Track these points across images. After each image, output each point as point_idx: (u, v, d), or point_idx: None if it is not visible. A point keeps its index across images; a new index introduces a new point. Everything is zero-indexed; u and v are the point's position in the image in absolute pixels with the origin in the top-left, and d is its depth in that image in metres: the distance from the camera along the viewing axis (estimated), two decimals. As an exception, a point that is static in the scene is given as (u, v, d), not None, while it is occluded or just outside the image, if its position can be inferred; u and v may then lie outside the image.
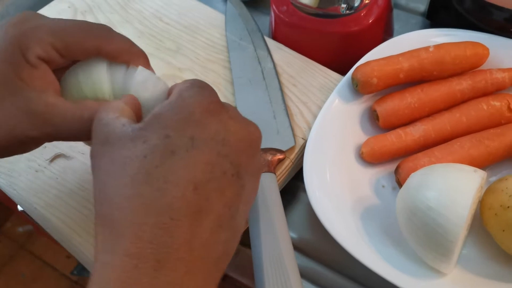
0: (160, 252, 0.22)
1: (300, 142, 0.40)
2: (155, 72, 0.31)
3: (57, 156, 0.41)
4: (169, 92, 0.28)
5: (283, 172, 0.39)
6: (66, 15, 0.52)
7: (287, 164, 0.39)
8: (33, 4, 0.57)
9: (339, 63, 0.46)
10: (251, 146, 0.26)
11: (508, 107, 0.39)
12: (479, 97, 0.40)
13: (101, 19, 0.51)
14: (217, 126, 0.25)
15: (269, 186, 0.35)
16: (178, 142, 0.24)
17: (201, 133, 0.24)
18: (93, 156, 0.26)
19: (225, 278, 0.38)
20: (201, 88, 0.26)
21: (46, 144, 0.41)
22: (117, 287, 0.21)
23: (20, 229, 1.48)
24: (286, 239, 0.32)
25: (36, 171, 0.40)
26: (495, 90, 0.41)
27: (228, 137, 0.25)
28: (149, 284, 0.22)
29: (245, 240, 0.34)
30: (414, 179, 0.34)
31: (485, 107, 0.39)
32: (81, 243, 0.36)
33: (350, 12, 0.44)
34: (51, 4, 0.53)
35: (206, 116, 0.25)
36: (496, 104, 0.39)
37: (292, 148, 0.39)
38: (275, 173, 0.36)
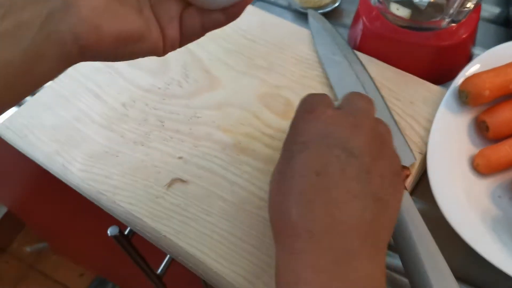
0: None
1: (418, 157, 0.40)
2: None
3: (173, 181, 0.40)
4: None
5: (409, 186, 0.39)
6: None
7: (409, 180, 0.39)
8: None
9: (431, 75, 0.47)
10: None
11: None
12: None
13: (183, 38, 0.51)
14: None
15: (409, 204, 0.35)
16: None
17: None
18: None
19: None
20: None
21: (160, 170, 0.40)
22: None
23: (28, 249, 1.46)
24: (435, 249, 0.33)
25: (157, 198, 0.39)
26: None
27: None
28: None
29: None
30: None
31: None
32: (219, 268, 0.36)
33: (447, 26, 0.45)
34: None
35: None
36: None
37: (413, 165, 0.39)
38: (407, 189, 0.36)
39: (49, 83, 0.48)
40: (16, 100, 0.26)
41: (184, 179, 0.40)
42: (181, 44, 0.30)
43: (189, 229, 0.37)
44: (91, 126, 0.44)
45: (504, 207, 0.39)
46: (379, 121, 0.31)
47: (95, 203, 0.41)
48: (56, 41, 0.25)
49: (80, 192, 0.42)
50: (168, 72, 0.48)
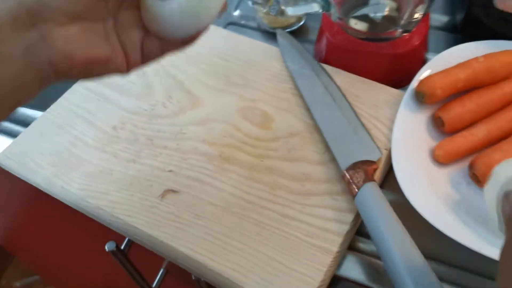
0: None
1: (384, 152, 0.45)
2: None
3: (165, 192, 0.44)
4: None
5: (378, 179, 0.44)
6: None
7: (378, 173, 0.44)
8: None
9: (390, 80, 0.52)
10: None
11: (552, 102, 0.46)
12: (525, 96, 0.47)
13: (163, 62, 0.55)
14: None
15: (377, 193, 0.40)
16: None
17: None
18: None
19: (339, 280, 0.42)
20: None
21: (152, 183, 0.44)
22: None
23: (18, 284, 1.45)
24: (404, 231, 0.37)
25: (152, 208, 0.43)
26: (537, 89, 0.47)
27: None
28: None
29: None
30: (500, 172, 0.39)
31: (533, 104, 0.46)
32: (215, 266, 0.39)
33: (400, 36, 0.50)
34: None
35: None
36: (542, 100, 0.46)
37: (379, 159, 0.44)
38: (375, 181, 0.41)
39: (43, 113, 0.51)
40: (3, 114, 0.30)
41: (175, 189, 0.44)
42: (142, 65, 0.35)
43: (184, 234, 0.41)
44: (85, 149, 0.48)
45: (462, 191, 0.44)
46: None
47: (95, 218, 0.45)
48: (35, 68, 0.29)
49: (80, 210, 0.45)
50: (152, 95, 0.52)
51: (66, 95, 0.53)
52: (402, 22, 0.48)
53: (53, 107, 0.52)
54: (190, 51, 0.56)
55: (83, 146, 0.48)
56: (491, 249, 0.39)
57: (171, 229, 0.42)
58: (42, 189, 0.47)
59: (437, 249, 0.42)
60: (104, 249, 0.50)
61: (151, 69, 0.54)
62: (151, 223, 0.42)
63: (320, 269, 0.39)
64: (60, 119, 0.51)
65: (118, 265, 0.54)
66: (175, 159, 0.46)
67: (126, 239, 0.51)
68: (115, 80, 0.54)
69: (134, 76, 0.54)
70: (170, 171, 0.45)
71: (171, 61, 0.55)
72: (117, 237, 0.51)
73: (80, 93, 0.53)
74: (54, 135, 0.49)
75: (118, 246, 0.51)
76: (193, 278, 0.49)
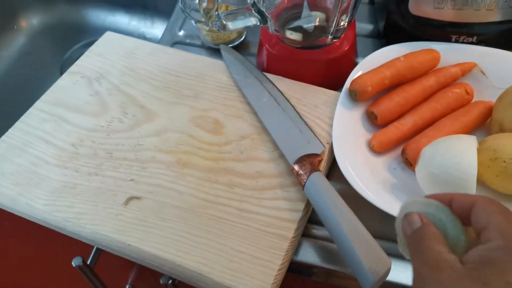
0: None
1: (326, 146, 0.50)
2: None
3: (129, 200, 0.47)
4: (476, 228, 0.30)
5: (322, 169, 0.48)
6: (81, 84, 0.58)
7: (323, 164, 0.49)
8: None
9: (326, 83, 0.58)
10: None
11: (466, 91, 0.53)
12: (442, 88, 0.54)
13: (115, 82, 0.58)
14: None
15: (323, 180, 0.44)
16: None
17: None
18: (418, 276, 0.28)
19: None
20: None
21: (116, 192, 0.47)
22: None
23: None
24: (351, 213, 0.42)
25: (117, 215, 0.45)
26: (452, 81, 0.54)
27: None
28: None
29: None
30: (427, 152, 0.45)
31: (450, 94, 0.53)
32: (182, 262, 0.42)
33: (331, 42, 0.56)
34: (63, 77, 0.59)
35: None
36: (457, 91, 0.53)
37: (323, 152, 0.49)
38: (320, 171, 0.46)
39: (1, 137, 0.53)
40: None
41: (138, 196, 0.47)
42: None
43: (151, 236, 0.44)
44: (46, 167, 0.50)
45: (398, 175, 0.50)
46: None
47: (62, 231, 0.47)
48: None
49: (47, 225, 0.47)
50: (108, 112, 0.55)
51: (23, 118, 0.54)
52: (331, 30, 0.53)
53: (11, 131, 0.53)
54: (141, 70, 0.59)
55: (44, 164, 0.50)
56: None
57: (138, 233, 0.44)
58: (6, 209, 0.48)
59: (382, 228, 0.47)
60: (71, 264, 0.52)
61: (104, 89, 0.57)
62: (118, 229, 0.45)
63: (279, 254, 0.43)
64: (19, 142, 0.52)
65: (84, 280, 0.56)
66: (135, 169, 0.49)
67: (92, 254, 0.53)
68: (70, 101, 0.56)
69: (88, 96, 0.56)
70: (132, 180, 0.48)
71: (123, 80, 0.58)
72: (83, 252, 0.52)
73: (37, 115, 0.55)
74: (14, 157, 0.51)
75: (84, 261, 0.52)
76: (161, 282, 0.51)
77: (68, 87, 0.58)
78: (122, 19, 0.94)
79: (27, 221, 0.48)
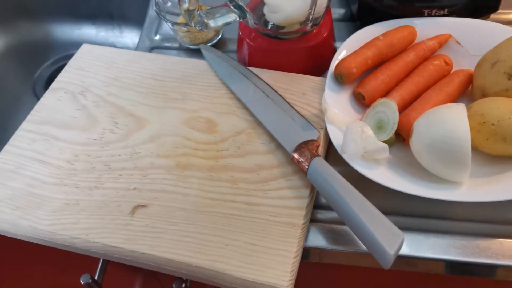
0: None
1: (321, 131, 0.51)
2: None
3: (135, 209, 0.46)
4: None
5: (321, 154, 0.49)
6: (66, 100, 0.57)
7: (320, 149, 0.50)
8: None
9: (309, 70, 0.59)
10: None
11: (445, 62, 0.55)
12: (423, 62, 0.55)
13: (101, 93, 0.57)
14: None
15: (325, 164, 0.45)
16: None
17: None
18: None
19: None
20: None
21: (120, 203, 0.47)
22: None
23: None
24: (357, 192, 0.43)
25: (125, 225, 0.45)
26: (431, 54, 0.56)
27: None
28: None
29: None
30: (420, 125, 0.47)
31: (431, 67, 0.54)
32: (198, 262, 0.43)
33: (311, 30, 0.57)
34: (46, 95, 0.58)
35: None
36: (437, 62, 0.55)
37: (319, 137, 0.50)
38: (320, 155, 0.47)
39: (-8, 163, 0.52)
40: None
41: (143, 204, 0.47)
42: None
43: (162, 241, 0.44)
44: (45, 187, 0.49)
45: (392, 151, 0.51)
46: None
47: (70, 249, 0.46)
48: None
49: (53, 245, 0.46)
50: (98, 125, 0.54)
51: (11, 141, 0.53)
52: (311, 17, 0.54)
53: (1, 155, 0.52)
54: (124, 78, 0.59)
55: (42, 184, 0.49)
56: (427, 191, 0.46)
57: (149, 240, 0.44)
58: (7, 235, 0.47)
59: (386, 203, 0.48)
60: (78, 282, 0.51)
61: (90, 102, 0.56)
62: (129, 239, 0.44)
63: (292, 242, 0.43)
64: (11, 165, 0.51)
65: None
66: (136, 177, 0.49)
67: (99, 267, 0.52)
68: (57, 118, 0.55)
69: (75, 111, 0.56)
70: (134, 188, 0.48)
71: (108, 91, 0.57)
72: (88, 266, 0.52)
73: (25, 137, 0.53)
74: (8, 181, 0.50)
75: (92, 277, 0.52)
76: (174, 287, 0.52)
77: (53, 104, 0.57)
78: (89, 31, 0.93)
79: (25, 248, 0.47)
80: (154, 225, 0.45)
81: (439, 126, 0.45)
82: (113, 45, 0.91)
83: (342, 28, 0.66)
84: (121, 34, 0.92)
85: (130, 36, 0.91)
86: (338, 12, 0.68)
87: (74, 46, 0.67)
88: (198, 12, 0.52)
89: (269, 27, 0.56)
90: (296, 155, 0.47)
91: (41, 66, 0.91)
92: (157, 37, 0.68)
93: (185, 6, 0.49)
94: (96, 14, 0.92)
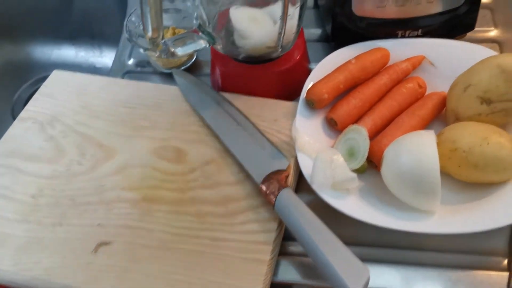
0: None
1: (291, 160, 0.50)
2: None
3: (98, 246, 0.45)
4: None
5: (290, 184, 0.48)
6: (34, 131, 0.56)
7: (290, 179, 0.48)
8: None
9: (282, 95, 0.57)
10: None
11: (419, 85, 0.54)
12: (396, 84, 0.54)
13: (69, 122, 0.56)
14: None
15: (292, 197, 0.44)
16: None
17: None
18: None
19: None
20: None
21: (83, 240, 0.45)
22: None
23: None
24: (323, 226, 0.42)
25: (88, 264, 0.44)
26: (404, 76, 0.55)
27: None
28: None
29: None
30: (389, 153, 0.46)
31: (404, 90, 0.53)
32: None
33: (281, 54, 0.56)
34: (14, 125, 0.57)
35: None
36: (410, 85, 0.53)
37: (289, 166, 0.49)
38: (288, 187, 0.45)
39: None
40: None
41: (106, 241, 0.45)
42: None
43: (124, 280, 0.43)
44: (7, 225, 0.48)
45: (365, 178, 0.50)
46: None
47: (33, 290, 0.45)
48: None
49: (17, 285, 0.45)
50: (65, 156, 0.53)
51: (-25, 175, 0.52)
52: (280, 43, 0.53)
53: (-36, 190, 0.51)
54: (94, 106, 0.58)
55: (4, 221, 0.48)
56: (398, 222, 0.44)
57: (111, 280, 0.43)
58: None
59: (355, 234, 0.47)
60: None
61: (58, 132, 0.55)
62: (90, 280, 0.43)
63: (258, 279, 0.42)
64: (-26, 201, 0.50)
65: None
66: (100, 212, 0.48)
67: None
68: (24, 150, 0.54)
69: (42, 142, 0.54)
70: (98, 224, 0.47)
71: (76, 120, 0.56)
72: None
73: (-11, 170, 0.52)
74: (-29, 218, 0.49)
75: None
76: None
77: (20, 135, 0.56)
78: (68, 52, 0.92)
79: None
80: (116, 263, 0.44)
81: (407, 154, 0.44)
82: (93, 66, 0.90)
83: (318, 49, 0.65)
84: (101, 54, 0.91)
85: (109, 56, 0.90)
86: (314, 32, 0.67)
87: (54, 66, 0.66)
88: (163, 40, 0.51)
89: (240, 52, 0.55)
90: (264, 187, 0.46)
91: (20, 88, 0.90)
92: (131, 61, 0.67)
93: (149, 34, 0.48)
94: (76, 34, 0.91)
